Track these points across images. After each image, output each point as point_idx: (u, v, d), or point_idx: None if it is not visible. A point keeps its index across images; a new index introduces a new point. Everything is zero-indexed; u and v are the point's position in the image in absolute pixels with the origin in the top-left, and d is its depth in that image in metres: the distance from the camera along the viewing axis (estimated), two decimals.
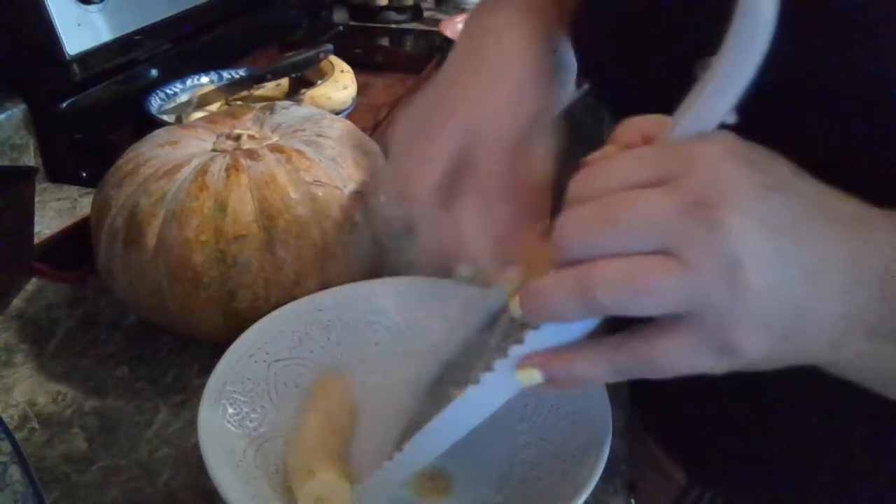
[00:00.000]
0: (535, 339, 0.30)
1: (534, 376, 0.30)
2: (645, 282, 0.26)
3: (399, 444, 0.37)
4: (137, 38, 0.88)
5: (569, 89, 0.50)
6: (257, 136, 0.58)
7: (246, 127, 0.59)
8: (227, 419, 0.43)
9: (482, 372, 0.32)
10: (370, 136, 0.64)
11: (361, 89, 1.01)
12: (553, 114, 0.40)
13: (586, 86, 0.53)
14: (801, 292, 0.26)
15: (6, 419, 0.45)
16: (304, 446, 0.43)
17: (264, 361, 0.48)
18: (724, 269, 0.25)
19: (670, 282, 0.26)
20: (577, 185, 0.29)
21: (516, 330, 0.32)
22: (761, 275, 0.25)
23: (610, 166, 0.28)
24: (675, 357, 0.27)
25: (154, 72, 0.95)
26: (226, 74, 0.99)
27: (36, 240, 0.68)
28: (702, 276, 0.25)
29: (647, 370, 0.28)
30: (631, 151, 0.29)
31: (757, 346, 0.26)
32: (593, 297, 0.27)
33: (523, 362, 0.30)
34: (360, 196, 0.55)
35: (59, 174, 0.85)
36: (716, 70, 0.26)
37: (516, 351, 0.30)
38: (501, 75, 0.39)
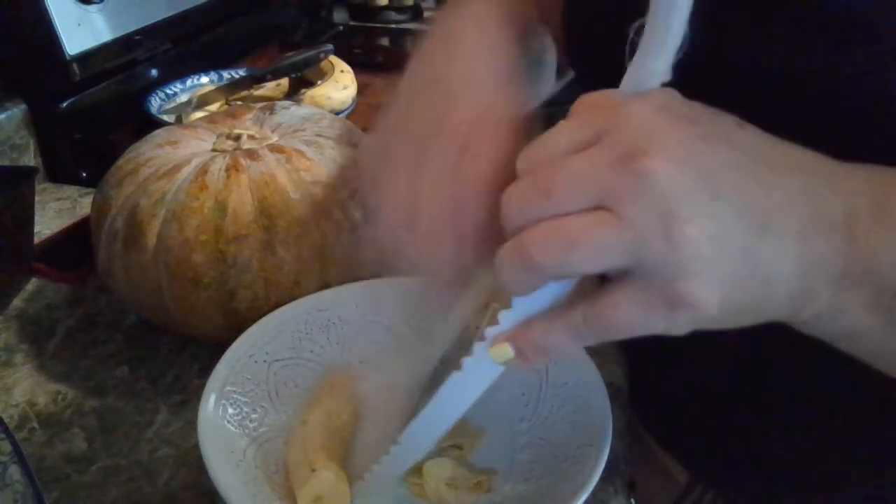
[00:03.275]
0: (509, 318, 0.30)
1: (505, 352, 0.30)
2: (577, 236, 0.26)
3: (395, 438, 0.37)
4: (137, 38, 0.88)
5: (548, 82, 0.50)
6: (257, 136, 0.58)
7: (246, 127, 0.59)
8: (227, 419, 0.43)
9: (464, 357, 0.32)
10: None
11: (361, 89, 1.01)
12: (530, 108, 0.39)
13: (571, 74, 0.53)
14: (747, 238, 0.26)
15: (6, 419, 0.45)
16: (306, 444, 0.43)
17: (264, 361, 0.48)
18: (657, 217, 0.25)
19: (604, 234, 0.26)
20: (522, 159, 0.29)
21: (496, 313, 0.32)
22: (696, 221, 0.25)
23: (550, 136, 0.29)
24: (626, 314, 0.27)
25: (154, 72, 0.95)
26: (226, 74, 0.99)
27: (36, 240, 0.68)
28: (635, 225, 0.25)
29: (603, 330, 0.28)
30: (569, 119, 0.29)
31: (707, 297, 0.26)
32: (531, 258, 0.27)
33: (495, 340, 0.31)
34: (360, 198, 0.55)
35: (59, 174, 0.85)
36: (646, 30, 0.26)
37: (492, 331, 0.31)
38: (473, 74, 0.38)
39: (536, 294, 0.29)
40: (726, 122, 0.28)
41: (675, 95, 0.28)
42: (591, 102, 0.29)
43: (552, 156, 0.28)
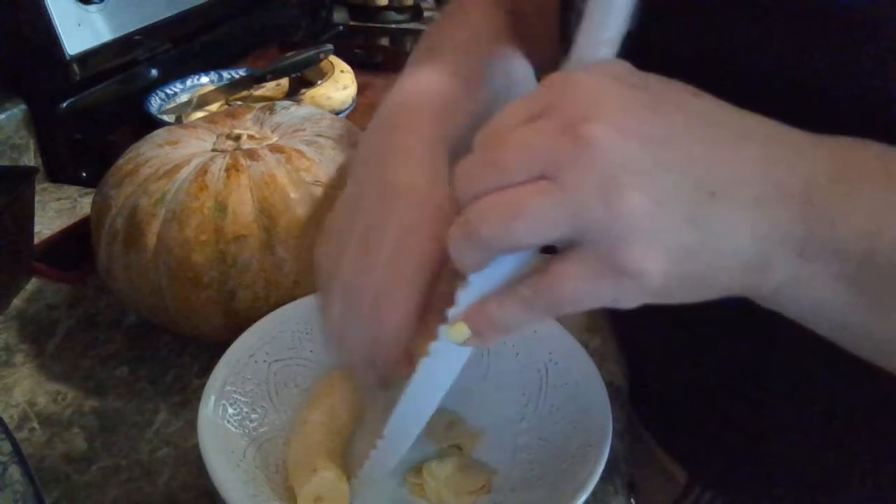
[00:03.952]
0: (466, 297, 0.30)
1: (462, 331, 0.30)
2: (518, 206, 0.26)
3: (380, 433, 0.37)
4: (137, 38, 0.88)
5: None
6: (257, 136, 0.58)
7: (246, 127, 0.59)
8: (227, 419, 0.43)
9: (431, 342, 0.32)
10: None
11: (361, 89, 1.01)
12: None
13: None
14: (694, 206, 0.26)
15: (6, 419, 0.45)
16: (306, 444, 0.43)
17: (264, 361, 0.48)
18: (598, 184, 0.25)
19: (545, 203, 0.25)
20: (476, 136, 0.29)
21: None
22: (638, 188, 0.25)
23: (503, 112, 0.29)
24: (572, 285, 0.27)
25: (154, 72, 0.95)
26: (226, 74, 0.99)
27: (36, 240, 0.68)
28: (576, 193, 0.25)
29: (552, 303, 0.28)
30: (523, 96, 0.29)
31: (653, 266, 0.25)
32: (477, 233, 0.27)
33: (453, 320, 0.30)
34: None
35: (59, 174, 0.85)
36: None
37: (451, 313, 0.31)
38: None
39: (491, 271, 0.29)
40: (679, 91, 0.28)
41: (625, 66, 0.28)
42: (547, 79, 0.29)
43: (503, 130, 0.28)
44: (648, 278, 0.26)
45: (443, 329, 0.31)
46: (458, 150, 0.38)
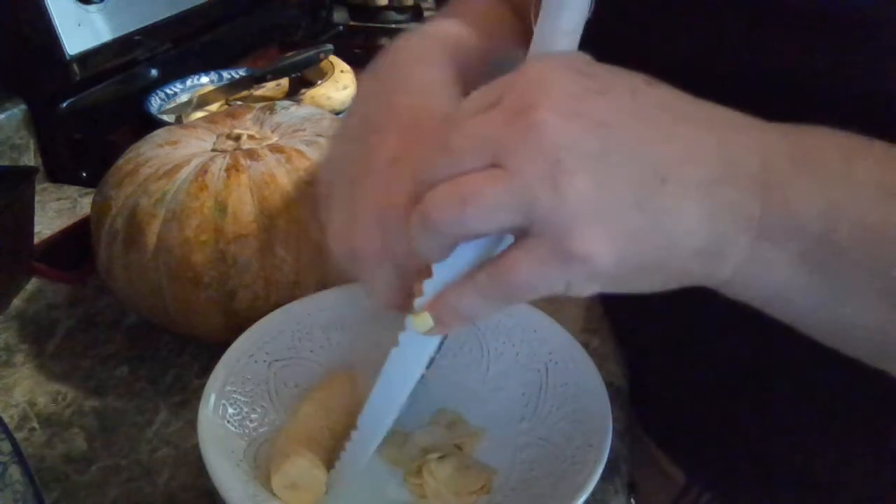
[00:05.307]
0: (431, 286, 0.30)
1: (426, 321, 0.30)
2: (469, 194, 0.26)
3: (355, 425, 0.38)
4: (137, 38, 0.88)
5: None
6: (257, 136, 0.58)
7: (246, 127, 0.59)
8: (227, 419, 0.43)
9: (399, 332, 0.33)
10: None
11: None
12: None
13: None
14: (642, 190, 0.26)
15: (6, 419, 0.45)
16: (291, 434, 0.43)
17: (264, 361, 0.48)
18: (545, 169, 0.25)
19: (495, 190, 0.26)
20: (439, 128, 0.29)
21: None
22: (585, 172, 0.25)
23: (462, 103, 0.29)
24: (524, 271, 0.27)
25: (154, 72, 0.95)
26: (226, 74, 0.99)
27: (36, 240, 0.68)
28: (524, 179, 0.25)
29: (506, 290, 0.28)
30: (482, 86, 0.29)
31: (598, 250, 0.25)
32: (430, 219, 0.27)
33: (419, 309, 0.31)
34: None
35: (59, 174, 0.85)
36: None
37: (416, 302, 0.31)
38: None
39: (454, 260, 0.29)
40: (634, 79, 0.28)
41: (583, 57, 0.28)
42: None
43: (459, 119, 0.28)
44: (596, 263, 0.26)
45: (409, 319, 0.31)
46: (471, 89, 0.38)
